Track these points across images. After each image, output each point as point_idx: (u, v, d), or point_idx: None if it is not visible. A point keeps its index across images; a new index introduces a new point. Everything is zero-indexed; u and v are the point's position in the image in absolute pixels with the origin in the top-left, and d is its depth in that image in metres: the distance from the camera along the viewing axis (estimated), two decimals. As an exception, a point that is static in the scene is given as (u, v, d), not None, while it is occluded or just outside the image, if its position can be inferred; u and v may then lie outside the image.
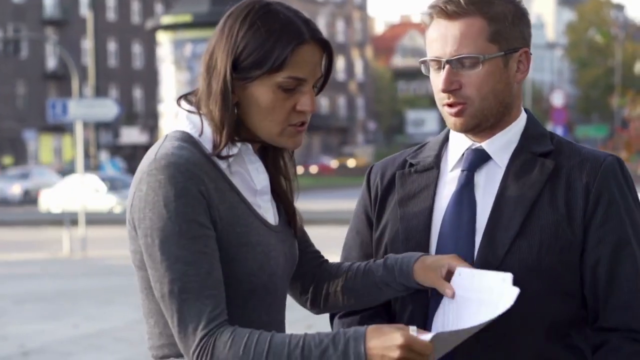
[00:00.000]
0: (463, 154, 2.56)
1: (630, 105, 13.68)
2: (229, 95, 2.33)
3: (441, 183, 2.58)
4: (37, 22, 67.50)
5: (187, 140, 2.35)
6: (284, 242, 2.45)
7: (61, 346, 10.25)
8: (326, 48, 2.40)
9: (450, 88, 2.46)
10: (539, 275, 2.41)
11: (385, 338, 2.14)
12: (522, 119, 2.58)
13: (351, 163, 67.93)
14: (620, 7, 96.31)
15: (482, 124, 2.50)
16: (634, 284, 2.43)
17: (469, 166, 2.54)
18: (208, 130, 2.36)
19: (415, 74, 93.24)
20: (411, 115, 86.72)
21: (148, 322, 2.43)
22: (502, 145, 2.54)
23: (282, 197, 2.51)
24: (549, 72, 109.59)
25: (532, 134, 2.56)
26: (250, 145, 2.40)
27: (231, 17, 2.39)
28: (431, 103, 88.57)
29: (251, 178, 2.41)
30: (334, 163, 68.69)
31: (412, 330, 2.15)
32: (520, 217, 2.43)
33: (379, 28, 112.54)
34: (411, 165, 2.63)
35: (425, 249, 2.51)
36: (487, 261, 2.42)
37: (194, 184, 2.26)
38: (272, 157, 2.50)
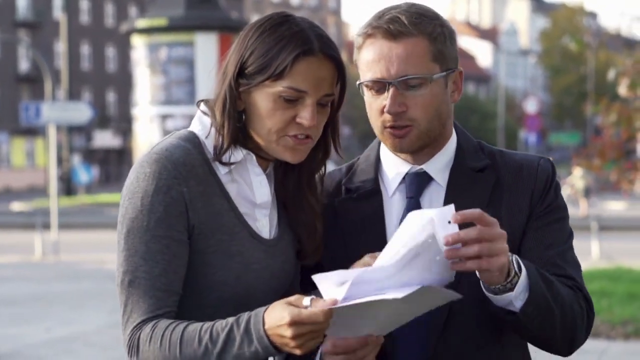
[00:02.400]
0: (404, 178, 2.53)
1: (604, 112, 13.75)
2: (232, 99, 2.34)
3: (386, 209, 2.54)
4: (10, 24, 67.09)
5: (190, 140, 2.36)
6: (276, 258, 2.43)
7: (34, 350, 10.20)
8: (337, 66, 2.38)
9: (398, 110, 2.42)
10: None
11: (276, 318, 2.12)
12: (454, 135, 2.57)
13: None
14: (593, 15, 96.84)
15: (424, 146, 2.48)
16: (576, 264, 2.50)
17: (415, 192, 2.51)
18: (214, 133, 2.38)
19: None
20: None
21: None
22: (441, 165, 2.53)
23: (301, 218, 2.49)
24: (522, 78, 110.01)
25: (465, 149, 2.56)
26: (254, 156, 2.40)
27: (250, 25, 2.40)
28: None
29: (252, 190, 2.40)
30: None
31: (306, 300, 2.11)
32: None
33: (353, 33, 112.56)
34: (348, 190, 2.58)
35: None
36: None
37: (176, 183, 2.27)
38: (305, 176, 2.49)
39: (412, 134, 2.44)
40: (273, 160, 2.45)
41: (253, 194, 2.41)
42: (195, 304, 2.35)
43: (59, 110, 22.18)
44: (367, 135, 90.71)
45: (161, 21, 16.47)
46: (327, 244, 2.53)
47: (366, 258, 2.36)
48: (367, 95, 2.48)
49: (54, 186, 21.95)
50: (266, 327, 2.12)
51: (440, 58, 2.44)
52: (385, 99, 2.42)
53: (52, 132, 21.99)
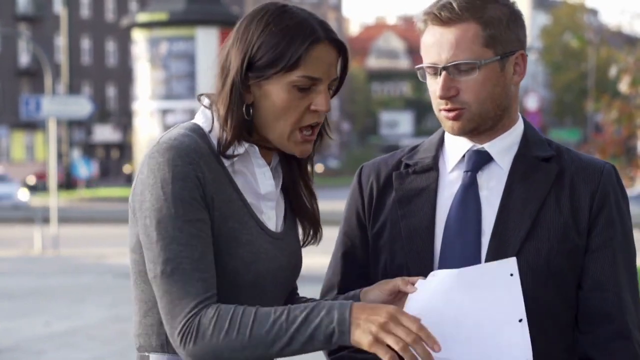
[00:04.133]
0: (464, 156, 2.56)
1: (605, 109, 13.75)
2: (237, 93, 2.35)
3: (442, 184, 2.57)
4: (10, 17, 67.10)
5: (195, 130, 2.37)
6: (283, 251, 2.44)
7: (33, 344, 10.21)
8: (341, 49, 2.41)
9: (448, 94, 2.46)
10: (547, 278, 2.42)
11: (374, 307, 2.16)
12: (521, 123, 2.60)
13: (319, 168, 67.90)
14: (594, 12, 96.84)
15: (479, 127, 2.51)
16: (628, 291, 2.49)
17: (472, 167, 2.54)
18: (217, 127, 2.38)
19: (389, 76, 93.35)
20: (385, 116, 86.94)
21: (134, 309, 2.45)
22: (503, 148, 2.55)
23: (300, 207, 2.53)
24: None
25: (532, 139, 2.57)
26: (257, 148, 2.41)
27: (247, 18, 2.41)
28: (405, 104, 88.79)
29: (256, 181, 2.42)
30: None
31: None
32: (528, 219, 2.44)
33: (353, 29, 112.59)
34: (407, 166, 2.62)
35: (429, 248, 2.50)
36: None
37: (192, 169, 2.28)
38: (296, 166, 2.51)
39: (464, 116, 2.48)
40: (276, 151, 2.46)
41: (257, 185, 2.42)
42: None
43: (59, 105, 22.18)
44: (366, 130, 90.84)
45: (162, 15, 16.45)
46: (382, 214, 2.58)
47: (398, 281, 2.39)
48: (427, 79, 2.52)
49: (53, 180, 21.95)
50: (353, 314, 2.16)
51: (492, 43, 2.46)
52: (439, 83, 2.47)
53: (52, 126, 21.97)
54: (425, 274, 2.39)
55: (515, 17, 2.52)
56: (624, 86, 13.44)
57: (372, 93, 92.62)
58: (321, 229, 2.57)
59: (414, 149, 2.69)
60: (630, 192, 18.06)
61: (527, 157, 2.53)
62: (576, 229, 2.46)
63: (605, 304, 2.44)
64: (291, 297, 2.58)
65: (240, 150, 2.38)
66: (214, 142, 2.38)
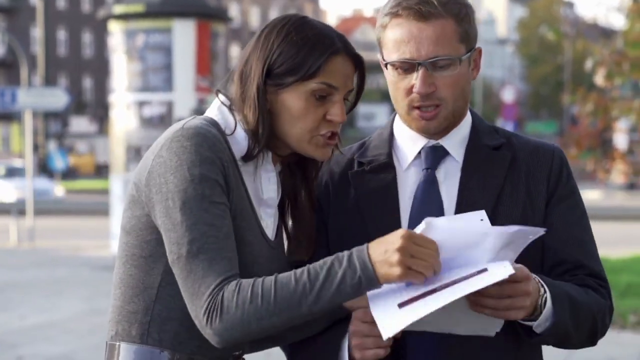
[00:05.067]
0: (419, 152, 2.57)
1: (581, 102, 13.81)
2: (264, 100, 2.38)
3: (400, 182, 2.57)
4: (-14, 9, 66.73)
5: (215, 125, 2.39)
6: (277, 261, 2.46)
7: (9, 337, 10.17)
8: (358, 63, 2.45)
9: (428, 90, 2.45)
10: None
11: (386, 241, 2.16)
12: (469, 115, 2.63)
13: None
14: (570, 5, 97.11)
15: (450, 126, 2.54)
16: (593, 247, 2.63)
17: (431, 164, 2.55)
18: (241, 133, 2.41)
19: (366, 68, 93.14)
20: (361, 109, 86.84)
21: (114, 293, 2.44)
22: (458, 141, 2.57)
23: (300, 219, 2.54)
24: (499, 68, 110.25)
25: (480, 129, 2.61)
26: (270, 153, 2.45)
27: (268, 27, 2.45)
28: (382, 97, 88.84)
29: (260, 185, 2.44)
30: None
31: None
32: (487, 209, 2.44)
33: (331, 21, 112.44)
34: (361, 164, 2.61)
35: None
36: None
37: (217, 157, 2.30)
38: (300, 177, 2.54)
39: (441, 114, 2.49)
40: (283, 158, 2.50)
41: (260, 188, 2.44)
42: None
43: (35, 96, 22.06)
44: (343, 124, 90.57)
45: (138, 7, 16.39)
46: (342, 215, 2.57)
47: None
48: (392, 75, 2.50)
49: (29, 172, 21.84)
50: (371, 254, 2.16)
51: (466, 38, 2.48)
52: (414, 79, 2.46)
53: (28, 118, 21.87)
54: None
55: (473, 14, 2.54)
56: (599, 79, 13.50)
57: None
58: (311, 242, 2.56)
59: (363, 145, 2.68)
60: (606, 184, 18.10)
61: (479, 147, 2.56)
62: (534, 212, 2.52)
63: (572, 257, 2.54)
64: None
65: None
66: (232, 143, 2.39)
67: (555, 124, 65.06)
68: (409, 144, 2.59)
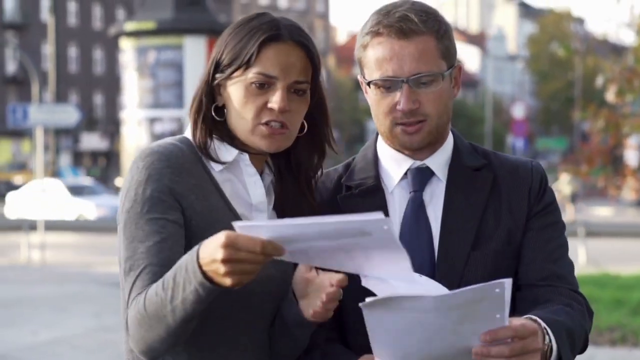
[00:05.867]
0: (405, 173, 2.58)
1: (592, 118, 13.78)
2: (206, 93, 2.41)
3: (389, 205, 2.57)
4: (-2, 26, 66.97)
5: (183, 142, 2.41)
6: (274, 265, 2.37)
7: (19, 353, 10.16)
8: (308, 53, 2.43)
9: (412, 107, 2.46)
10: (498, 278, 2.43)
11: (211, 244, 2.07)
12: (450, 134, 2.64)
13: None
14: (580, 21, 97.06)
15: (433, 141, 2.55)
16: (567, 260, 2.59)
17: (418, 186, 2.56)
18: (215, 143, 2.44)
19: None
20: (372, 124, 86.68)
21: (123, 321, 2.45)
22: (442, 161, 2.59)
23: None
24: (509, 84, 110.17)
25: (461, 148, 2.62)
26: (247, 156, 2.44)
27: (230, 26, 2.47)
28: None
29: (247, 191, 2.43)
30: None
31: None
32: (472, 230, 2.49)
33: (341, 37, 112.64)
34: (349, 187, 2.61)
35: None
36: (447, 277, 2.45)
37: (168, 173, 2.31)
38: (304, 179, 2.54)
39: (425, 129, 2.50)
40: (266, 159, 2.49)
41: (248, 194, 2.42)
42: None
43: (46, 113, 22.12)
44: (354, 139, 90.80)
45: (149, 24, 16.44)
46: None
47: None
48: (374, 93, 2.51)
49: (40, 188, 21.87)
50: (200, 258, 2.09)
51: (447, 55, 2.50)
52: (397, 97, 2.47)
53: (39, 134, 21.92)
54: None
55: (452, 32, 2.56)
56: (610, 95, 13.47)
57: (359, 102, 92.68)
58: None
59: (347, 167, 2.67)
60: (617, 200, 18.07)
61: (462, 167, 2.58)
62: (517, 228, 2.54)
63: (544, 270, 2.52)
64: None
65: (229, 157, 2.40)
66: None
67: (565, 140, 64.98)
68: (394, 165, 2.60)
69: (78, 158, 67.22)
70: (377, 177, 2.59)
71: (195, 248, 2.11)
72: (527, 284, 2.52)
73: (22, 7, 69.24)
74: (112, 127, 67.52)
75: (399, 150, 2.57)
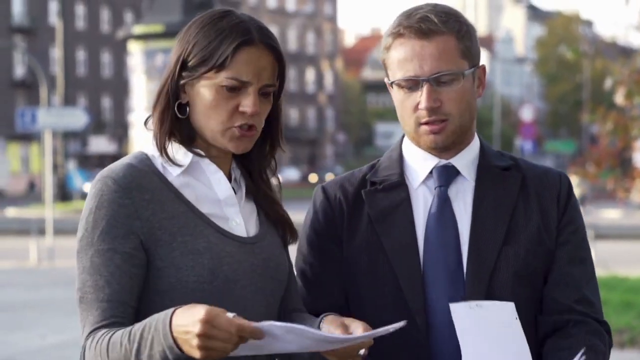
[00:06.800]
0: (431, 172, 2.61)
1: (600, 121, 13.75)
2: (171, 90, 2.39)
3: (413, 200, 2.61)
4: (5, 29, 67.12)
5: (136, 157, 2.41)
6: (256, 255, 2.43)
7: (28, 357, 10.18)
8: (277, 56, 2.42)
9: (434, 106, 2.50)
10: (527, 282, 2.51)
11: (189, 313, 2.08)
12: (477, 136, 2.68)
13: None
14: (589, 23, 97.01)
15: (457, 140, 2.58)
16: (593, 282, 2.61)
17: (444, 182, 2.59)
18: (174, 146, 2.43)
19: (384, 87, 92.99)
20: (380, 127, 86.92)
21: None
22: (468, 161, 2.62)
23: (269, 209, 2.53)
24: (518, 86, 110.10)
25: (488, 151, 2.66)
26: (206, 158, 2.43)
27: (192, 22, 2.45)
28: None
29: (212, 189, 2.43)
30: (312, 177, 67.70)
31: (230, 314, 2.08)
32: (502, 227, 2.53)
33: (349, 40, 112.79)
34: (374, 183, 2.64)
35: (415, 262, 2.53)
36: (478, 271, 2.50)
37: (117, 197, 2.31)
38: (256, 171, 2.53)
39: (448, 128, 2.53)
40: (227, 157, 2.47)
41: (214, 192, 2.42)
42: None
43: (55, 116, 22.16)
44: (362, 141, 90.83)
45: (157, 27, 16.47)
46: (357, 231, 2.60)
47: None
48: (399, 94, 2.55)
49: (49, 192, 21.92)
50: (173, 323, 2.10)
51: (468, 55, 2.54)
52: (419, 96, 2.51)
53: (47, 138, 21.96)
54: (414, 288, 2.50)
55: (475, 32, 2.60)
56: (619, 98, 13.44)
57: (367, 104, 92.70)
58: (294, 227, 2.57)
59: (373, 166, 2.71)
60: (626, 203, 18.06)
61: (490, 168, 2.61)
62: (547, 231, 2.56)
63: (570, 298, 2.54)
64: (292, 315, 2.55)
65: (187, 160, 2.40)
66: (158, 163, 2.41)
67: (574, 142, 64.87)
68: (420, 163, 2.63)
69: (86, 161, 67.32)
70: (402, 174, 2.63)
71: (169, 311, 2.12)
72: (554, 310, 2.54)
73: (30, 11, 69.41)
74: (120, 130, 67.62)
75: (425, 150, 2.61)
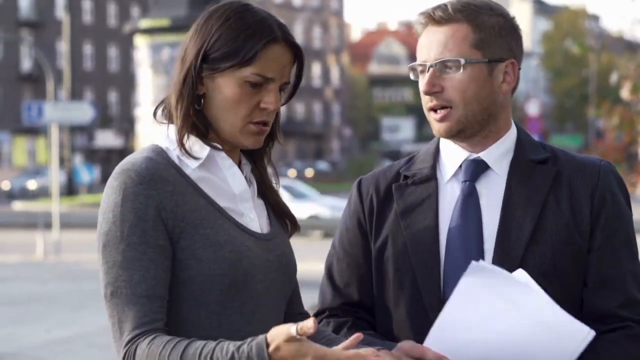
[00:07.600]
0: (460, 165, 2.58)
1: (606, 116, 13.75)
2: (190, 82, 2.38)
3: (441, 193, 2.59)
4: (13, 23, 67.16)
5: (153, 150, 2.39)
6: (271, 252, 2.43)
7: (33, 351, 10.20)
8: (297, 52, 2.44)
9: (432, 90, 2.51)
10: (553, 281, 2.44)
11: (296, 346, 2.08)
12: (514, 129, 2.63)
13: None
14: (595, 18, 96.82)
15: (465, 130, 2.54)
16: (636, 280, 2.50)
17: (470, 176, 2.57)
18: (173, 132, 2.40)
19: (390, 81, 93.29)
20: (386, 122, 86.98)
21: None
22: (499, 155, 2.58)
23: (273, 201, 2.53)
24: (524, 80, 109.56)
25: (526, 144, 2.61)
26: (222, 151, 2.42)
27: (208, 12, 2.44)
28: (406, 110, 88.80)
29: (227, 184, 2.42)
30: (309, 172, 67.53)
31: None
32: (530, 223, 2.47)
33: (355, 34, 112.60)
34: (406, 177, 2.64)
35: (435, 257, 2.51)
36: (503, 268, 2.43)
37: (142, 189, 2.29)
38: (259, 162, 2.52)
39: (451, 117, 2.52)
40: (239, 150, 2.47)
41: (229, 186, 2.42)
42: (200, 302, 2.33)
43: (61, 110, 22.18)
44: (367, 136, 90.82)
45: (164, 21, 16.47)
46: (384, 226, 2.60)
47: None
48: (420, 78, 2.57)
49: (55, 186, 21.95)
50: (271, 349, 2.10)
51: (483, 46, 2.51)
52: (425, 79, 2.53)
53: (54, 132, 21.99)
54: (433, 283, 2.48)
55: (510, 28, 2.57)
56: (625, 93, 13.43)
57: (373, 99, 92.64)
58: (295, 219, 2.57)
59: (410, 159, 2.70)
60: (632, 197, 18.04)
61: (523, 162, 2.57)
62: (578, 230, 2.49)
63: (612, 303, 2.46)
64: (294, 317, 2.54)
65: (204, 153, 2.39)
66: (174, 156, 2.39)
67: (580, 137, 64.80)
68: (451, 157, 2.61)
69: (92, 156, 67.38)
70: (434, 167, 2.62)
71: (259, 337, 2.12)
72: (595, 317, 2.47)
73: (37, 4, 69.45)
74: (126, 124, 67.63)
75: (456, 143, 2.60)
